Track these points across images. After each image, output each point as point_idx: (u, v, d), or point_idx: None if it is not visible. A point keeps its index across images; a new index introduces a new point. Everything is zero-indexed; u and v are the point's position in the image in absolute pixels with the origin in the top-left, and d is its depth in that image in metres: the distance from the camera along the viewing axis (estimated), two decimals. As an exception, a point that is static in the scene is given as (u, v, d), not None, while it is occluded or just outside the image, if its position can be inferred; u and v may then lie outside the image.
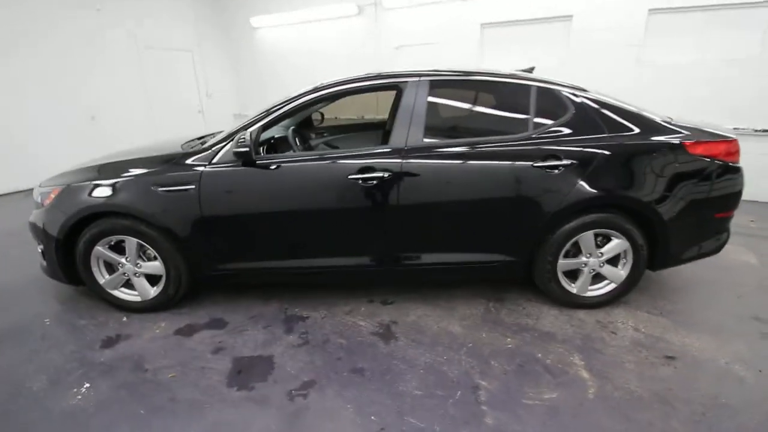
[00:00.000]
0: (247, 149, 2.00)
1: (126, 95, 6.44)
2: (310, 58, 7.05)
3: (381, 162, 2.11)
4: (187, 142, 2.60)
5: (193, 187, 2.12)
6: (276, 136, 2.85)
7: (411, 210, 2.15)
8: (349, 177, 2.09)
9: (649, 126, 2.18)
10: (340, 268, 2.29)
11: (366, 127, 3.76)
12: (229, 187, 2.16)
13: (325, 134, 3.63)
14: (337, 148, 3.49)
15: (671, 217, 2.13)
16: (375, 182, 2.09)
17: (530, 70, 2.79)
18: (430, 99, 2.19)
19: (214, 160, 2.17)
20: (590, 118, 2.17)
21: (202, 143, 2.44)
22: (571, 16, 5.07)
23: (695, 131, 2.18)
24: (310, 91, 2.25)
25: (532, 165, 2.09)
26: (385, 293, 2.57)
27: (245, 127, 2.18)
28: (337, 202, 2.15)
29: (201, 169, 2.15)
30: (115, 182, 2.18)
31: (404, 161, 2.10)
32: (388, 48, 6.39)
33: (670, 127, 2.18)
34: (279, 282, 2.58)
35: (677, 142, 2.13)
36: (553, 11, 5.15)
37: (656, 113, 2.26)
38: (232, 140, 2.13)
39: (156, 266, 2.27)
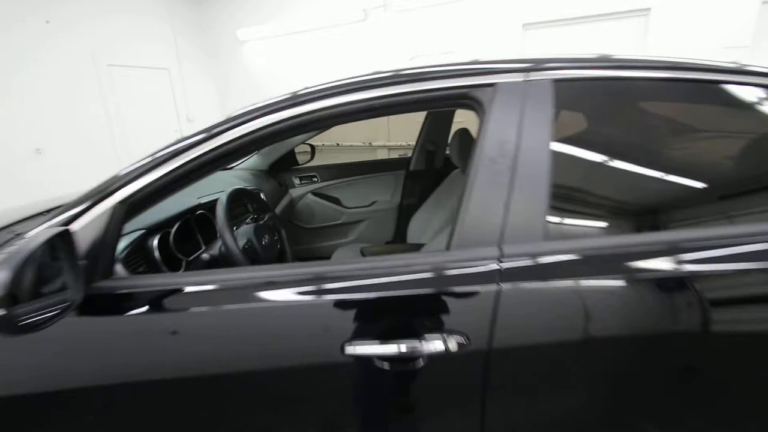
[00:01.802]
0: None
1: (83, 122, 5.26)
2: (307, 73, 5.87)
3: (425, 302, 0.76)
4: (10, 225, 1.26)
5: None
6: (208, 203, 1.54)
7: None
8: (347, 350, 0.74)
9: None
10: None
11: (377, 167, 2.42)
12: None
13: (315, 179, 2.32)
14: (337, 201, 2.17)
15: None
16: (419, 366, 0.74)
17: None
18: (560, 125, 0.84)
19: None
20: None
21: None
22: (648, 9, 3.81)
23: None
24: (248, 113, 0.89)
25: None
26: None
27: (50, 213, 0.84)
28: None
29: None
30: None
31: (504, 293, 0.74)
32: (400, 58, 5.17)
33: None
34: None
35: None
36: (628, 5, 3.90)
37: None
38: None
39: None
